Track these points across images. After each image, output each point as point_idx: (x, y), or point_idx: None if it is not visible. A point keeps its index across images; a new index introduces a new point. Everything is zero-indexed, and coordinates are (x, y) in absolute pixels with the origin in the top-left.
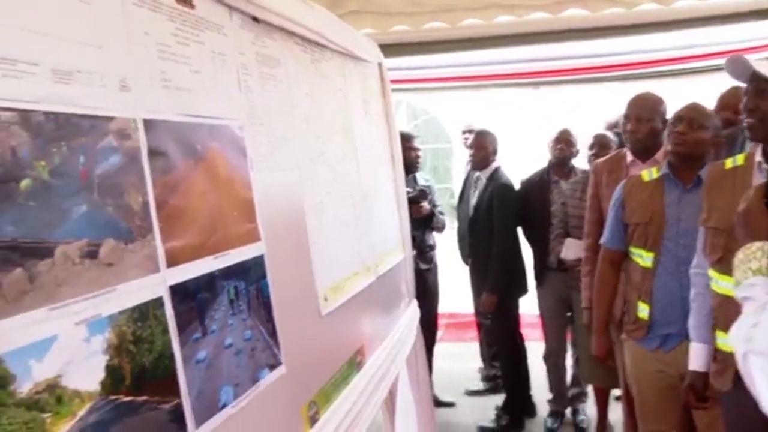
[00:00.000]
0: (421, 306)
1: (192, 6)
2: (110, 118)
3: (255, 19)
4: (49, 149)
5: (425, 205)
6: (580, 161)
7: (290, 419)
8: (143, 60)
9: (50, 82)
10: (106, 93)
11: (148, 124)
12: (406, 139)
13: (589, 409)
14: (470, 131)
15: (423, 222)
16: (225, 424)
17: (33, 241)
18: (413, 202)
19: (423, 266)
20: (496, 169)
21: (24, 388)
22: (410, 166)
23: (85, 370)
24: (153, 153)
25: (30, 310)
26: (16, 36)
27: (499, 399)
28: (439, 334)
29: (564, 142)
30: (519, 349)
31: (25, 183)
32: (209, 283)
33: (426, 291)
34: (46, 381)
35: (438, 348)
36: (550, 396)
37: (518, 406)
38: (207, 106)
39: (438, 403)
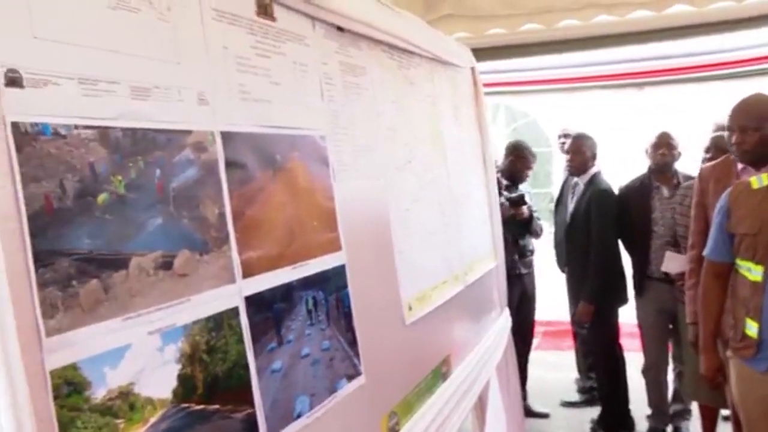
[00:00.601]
0: (518, 311)
1: (273, 18)
2: (187, 132)
3: (339, 29)
4: (126, 164)
5: (525, 208)
6: (689, 165)
7: (369, 429)
8: (222, 73)
9: (128, 99)
10: (183, 107)
11: (226, 136)
12: (518, 150)
13: (694, 427)
14: (566, 135)
15: (523, 225)
16: None
17: (108, 253)
18: (515, 204)
19: (523, 270)
20: (595, 175)
21: (98, 394)
22: (519, 178)
23: (158, 378)
24: (230, 165)
25: (105, 319)
26: (98, 57)
27: (594, 412)
28: (536, 341)
29: (665, 146)
30: (617, 361)
31: (101, 197)
32: (286, 293)
33: (523, 296)
34: (119, 388)
35: (534, 356)
36: (649, 411)
37: (615, 420)
38: (287, 116)
39: (531, 413)
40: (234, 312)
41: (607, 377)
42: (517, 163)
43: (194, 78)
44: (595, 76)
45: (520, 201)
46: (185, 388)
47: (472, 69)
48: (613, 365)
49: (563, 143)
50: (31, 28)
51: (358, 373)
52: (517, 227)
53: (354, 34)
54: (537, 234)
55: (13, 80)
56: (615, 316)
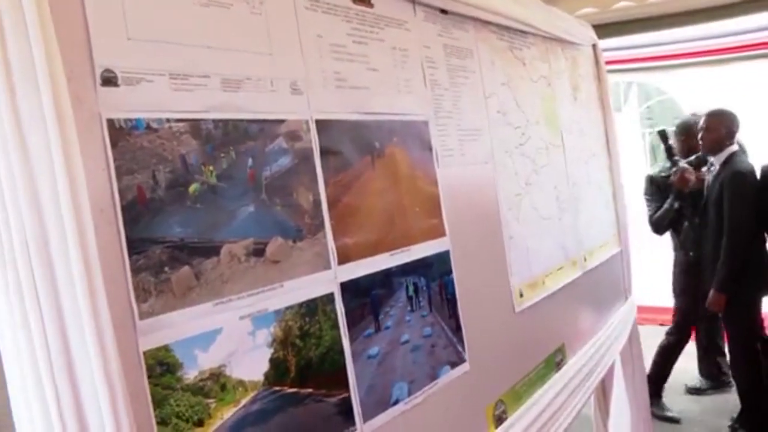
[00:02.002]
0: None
1: (370, 5)
2: (280, 121)
3: (443, 11)
4: (217, 154)
5: (704, 170)
6: None
7: (472, 417)
8: (316, 62)
9: (219, 92)
10: (276, 97)
11: (321, 124)
12: (688, 129)
13: None
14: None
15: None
16: (396, 419)
17: (200, 240)
18: (697, 166)
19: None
20: (733, 154)
21: (190, 374)
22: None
23: (249, 361)
24: (325, 152)
25: (196, 304)
26: (189, 53)
27: (724, 399)
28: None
29: None
30: (757, 355)
31: (193, 187)
32: (384, 279)
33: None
34: (210, 369)
35: None
36: None
37: (758, 420)
38: (386, 102)
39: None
40: (329, 298)
41: (746, 372)
42: (689, 142)
43: (287, 68)
44: (740, 46)
45: (701, 161)
46: (277, 372)
47: (594, 46)
48: (753, 360)
49: None
50: (126, 30)
51: (461, 361)
52: (700, 197)
53: (459, 15)
54: None
55: (109, 80)
56: (755, 306)
